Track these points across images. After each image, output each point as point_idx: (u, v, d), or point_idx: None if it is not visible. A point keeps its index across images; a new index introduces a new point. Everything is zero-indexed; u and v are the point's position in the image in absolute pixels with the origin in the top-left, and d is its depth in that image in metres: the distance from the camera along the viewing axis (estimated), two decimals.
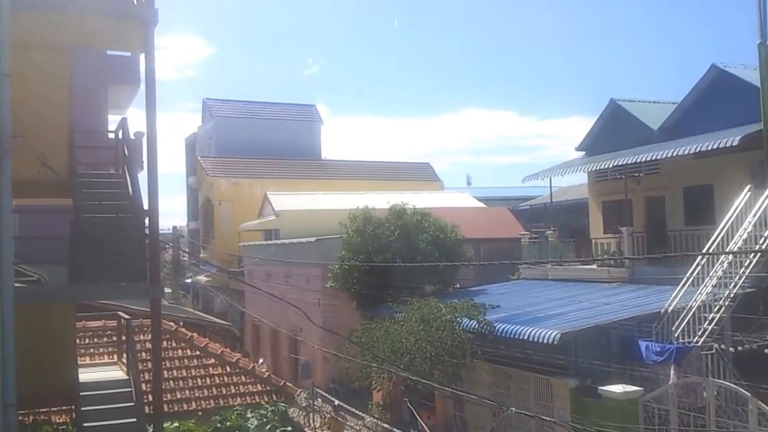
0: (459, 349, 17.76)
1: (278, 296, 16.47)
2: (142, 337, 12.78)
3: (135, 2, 8.54)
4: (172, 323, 14.49)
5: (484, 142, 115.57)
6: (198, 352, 13.72)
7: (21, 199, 9.91)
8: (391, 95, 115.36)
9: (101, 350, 12.48)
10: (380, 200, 26.65)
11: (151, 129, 8.39)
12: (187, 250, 39.75)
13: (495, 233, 28.54)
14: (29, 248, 14.94)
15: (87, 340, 12.76)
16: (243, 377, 13.50)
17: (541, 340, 15.60)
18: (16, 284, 11.55)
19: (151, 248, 8.54)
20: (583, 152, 25.63)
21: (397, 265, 22.28)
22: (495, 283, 24.70)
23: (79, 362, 10.68)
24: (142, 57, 8.83)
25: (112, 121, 15.17)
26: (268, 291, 24.42)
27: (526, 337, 16.17)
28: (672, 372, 14.21)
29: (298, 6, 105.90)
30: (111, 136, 11.17)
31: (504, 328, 17.28)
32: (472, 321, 18.23)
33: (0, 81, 6.94)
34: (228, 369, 13.60)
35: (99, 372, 10.89)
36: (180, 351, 13.61)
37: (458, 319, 18.46)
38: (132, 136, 11.07)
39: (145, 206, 8.58)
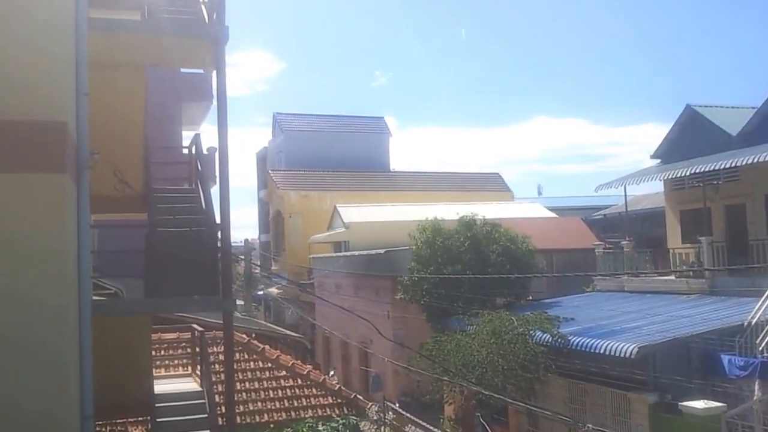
0: (532, 363, 17.39)
1: (346, 308, 16.45)
2: (215, 349, 12.98)
3: (206, 20, 8.71)
4: (244, 335, 14.66)
5: (555, 151, 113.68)
6: (270, 364, 13.83)
7: (99, 214, 10.22)
8: (460, 106, 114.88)
9: (176, 362, 12.72)
10: (449, 211, 26.43)
11: (223, 144, 8.51)
12: (258, 262, 40.38)
13: (568, 244, 27.89)
14: (107, 262, 15.47)
15: (162, 352, 13.04)
16: (314, 389, 13.53)
17: (617, 354, 15.11)
18: (95, 297, 11.94)
19: (224, 261, 8.63)
20: (659, 160, 24.78)
21: (467, 277, 22.01)
22: (569, 295, 24.09)
23: (154, 374, 10.89)
24: (214, 74, 8.98)
25: (187, 137, 15.62)
26: (338, 303, 24.54)
27: (602, 351, 15.69)
28: (756, 387, 13.54)
29: (365, 19, 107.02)
30: (185, 151, 11.44)
31: (579, 342, 16.82)
32: (545, 334, 17.82)
33: (78, 100, 7.12)
34: (299, 381, 13.65)
35: (173, 384, 11.08)
36: (252, 363, 13.75)
37: (531, 332, 18.08)
38: (205, 152, 11.30)
39: (218, 220, 8.70)
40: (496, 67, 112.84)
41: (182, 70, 15.19)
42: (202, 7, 8.91)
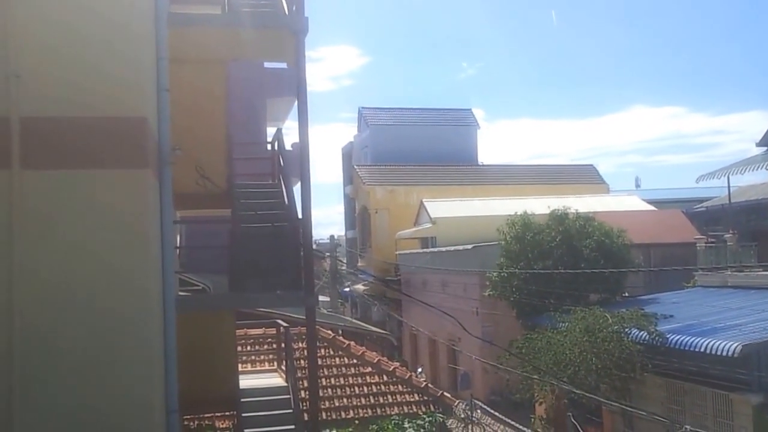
0: (628, 362, 16.64)
1: (431, 305, 16.17)
2: (300, 344, 12.97)
3: (285, 12, 8.61)
4: (329, 332, 14.63)
5: (654, 141, 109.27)
6: (355, 361, 13.72)
7: (184, 210, 10.34)
8: (552, 96, 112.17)
9: (262, 358, 12.79)
10: (540, 205, 25.67)
11: (303, 139, 8.39)
12: (344, 259, 40.63)
13: (667, 238, 26.59)
14: (195, 258, 15.80)
15: (248, 348, 13.14)
16: (400, 386, 13.33)
17: (719, 353, 14.25)
18: (182, 293, 12.14)
19: (306, 257, 8.52)
20: (765, 148, 23.19)
21: (559, 273, 21.30)
22: (667, 292, 22.93)
23: (240, 369, 10.95)
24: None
25: (273, 133, 15.70)
26: (425, 300, 24.27)
27: (702, 350, 14.86)
28: None
29: (451, 10, 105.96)
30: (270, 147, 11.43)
31: (677, 340, 15.99)
32: (641, 332, 17.00)
33: (160, 96, 7.15)
34: (385, 378, 13.48)
35: (259, 379, 11.12)
36: (337, 359, 13.68)
37: (626, 329, 17.28)
38: (289, 147, 11.27)
39: (300, 215, 8.60)
40: (589, 54, 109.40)
41: (266, 65, 15.31)
42: None
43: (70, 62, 6.09)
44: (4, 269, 5.84)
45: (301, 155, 8.40)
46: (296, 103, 9.16)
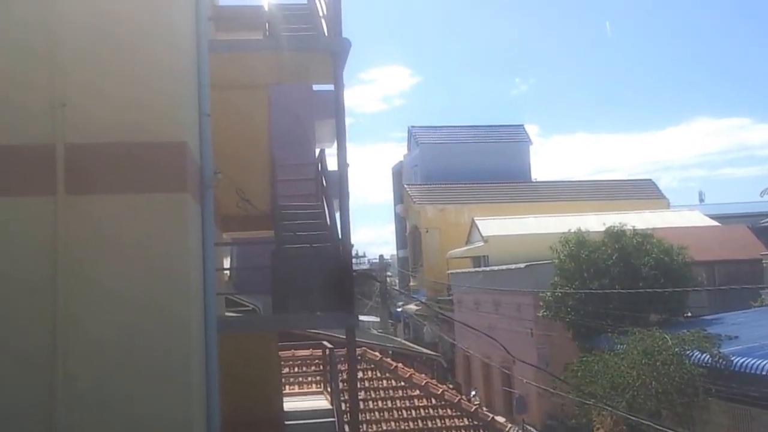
0: (689, 386, 16.00)
1: (475, 328, 15.88)
2: (346, 366, 12.88)
3: (325, 34, 8.65)
4: (378, 353, 14.52)
5: (717, 154, 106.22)
6: (403, 383, 13.57)
7: (230, 232, 10.45)
8: (608, 110, 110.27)
9: (309, 379, 12.77)
10: (596, 222, 25.13)
11: (342, 159, 8.39)
12: (396, 278, 40.49)
13: (731, 254, 25.65)
14: (248, 279, 15.96)
15: (296, 369, 13.14)
16: (449, 410, 13.11)
17: None
18: (232, 314, 12.24)
19: (346, 278, 8.48)
20: None
21: (616, 292, 20.73)
22: (732, 312, 22.04)
23: (286, 391, 10.94)
24: (348, 90, 8.90)
25: (330, 154, 15.80)
26: (478, 320, 23.94)
27: None
28: None
29: (502, 27, 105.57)
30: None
31: (743, 362, 15.34)
32: (704, 354, 16.36)
33: (201, 121, 7.24)
34: (433, 401, 13.28)
35: (305, 401, 11.07)
36: (385, 381, 13.56)
37: (688, 352, 16.66)
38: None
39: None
40: (647, 65, 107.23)
41: (315, 87, 15.47)
42: (322, 21, 8.87)
43: (113, 90, 6.21)
44: (49, 292, 5.96)
45: (339, 175, 8.40)
46: (348, 124, 9.18)
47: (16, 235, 6.00)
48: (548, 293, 23.05)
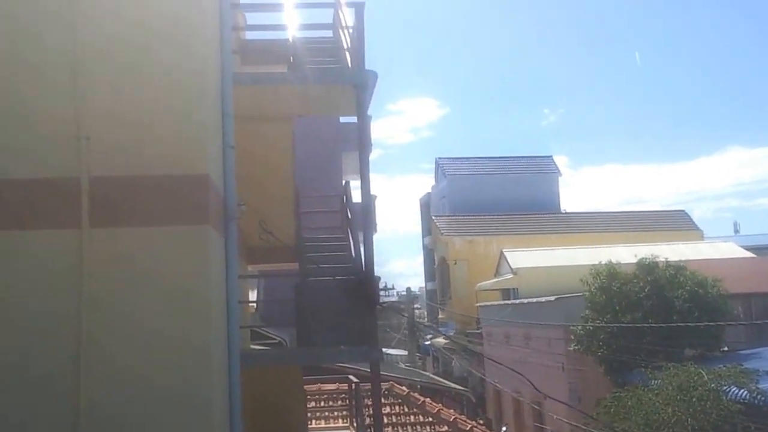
0: (726, 423, 15.49)
1: (502, 363, 15.59)
2: (372, 401, 12.69)
3: (349, 66, 8.69)
4: (405, 387, 14.30)
5: (753, 184, 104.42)
6: (430, 419, 13.32)
7: (255, 264, 10.43)
8: (638, 141, 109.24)
9: (335, 413, 12.60)
10: (628, 254, 24.69)
11: (366, 191, 8.34)
12: (424, 311, 40.16)
13: None
14: (276, 311, 15.91)
15: (322, 403, 12.98)
16: None
17: None
18: (258, 347, 12.18)
19: (370, 311, 8.38)
20: None
21: (649, 326, 20.24)
22: None
23: (312, 425, 10.78)
24: (377, 122, 8.92)
25: (355, 186, 15.80)
26: (508, 353, 23.55)
27: None
28: None
29: (531, 58, 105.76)
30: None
31: None
32: (741, 390, 15.84)
33: (225, 153, 7.27)
34: None
35: None
36: (412, 417, 13.32)
37: (724, 387, 16.14)
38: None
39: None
40: (678, 95, 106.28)
41: (341, 119, 15.53)
42: (346, 53, 8.91)
43: (137, 123, 6.25)
44: (73, 323, 5.96)
45: (364, 207, 8.35)
46: (376, 156, 9.18)
47: (41, 266, 6.04)
48: (579, 327, 22.60)
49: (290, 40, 9.26)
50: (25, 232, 6.00)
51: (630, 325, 20.56)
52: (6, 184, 5.99)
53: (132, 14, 6.19)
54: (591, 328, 22.04)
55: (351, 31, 8.92)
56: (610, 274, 22.53)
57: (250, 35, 10.85)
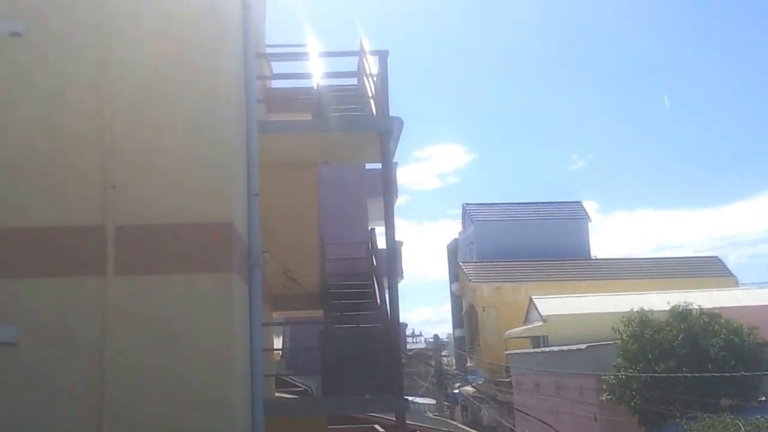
0: None
1: (533, 411, 15.21)
2: None
3: (374, 114, 8.74)
4: None
5: None
6: None
7: (280, 311, 10.38)
8: (670, 186, 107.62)
9: None
10: (660, 301, 24.30)
11: (390, 238, 8.29)
12: (448, 358, 39.51)
13: None
14: (301, 359, 15.78)
15: None
16: None
17: None
18: (284, 395, 12.03)
19: (395, 360, 8.25)
20: None
21: (683, 375, 19.74)
22: None
23: None
24: (404, 168, 8.93)
25: (381, 233, 15.77)
26: (538, 403, 23.05)
27: None
28: None
29: (558, 103, 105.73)
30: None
31: None
32: None
33: (250, 200, 7.30)
34: None
35: None
36: None
37: None
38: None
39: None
40: (710, 138, 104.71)
41: (367, 165, 15.60)
42: (371, 101, 8.98)
43: (162, 172, 6.30)
44: (96, 371, 5.94)
45: (388, 254, 8.28)
46: (402, 202, 9.17)
47: (66, 314, 6.05)
48: (611, 376, 22.17)
49: (315, 87, 9.38)
50: (50, 279, 6.04)
51: (664, 374, 20.15)
52: (33, 232, 6.07)
53: (158, 65, 6.31)
54: (623, 377, 21.64)
55: (375, 78, 9.01)
56: (642, 321, 22.21)
57: (275, 83, 11.02)
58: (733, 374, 19.18)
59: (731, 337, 20.87)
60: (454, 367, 39.56)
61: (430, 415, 25.33)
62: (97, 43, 6.24)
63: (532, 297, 35.37)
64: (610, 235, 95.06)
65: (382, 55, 8.79)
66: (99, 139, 6.17)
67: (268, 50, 10.53)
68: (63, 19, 6.37)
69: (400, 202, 18.33)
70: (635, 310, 23.00)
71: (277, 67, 10.67)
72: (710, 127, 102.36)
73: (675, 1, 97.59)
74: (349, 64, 10.13)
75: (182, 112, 6.38)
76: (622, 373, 21.71)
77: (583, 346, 25.75)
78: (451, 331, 49.42)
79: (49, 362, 5.93)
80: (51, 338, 5.98)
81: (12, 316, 5.96)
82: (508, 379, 34.54)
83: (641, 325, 22.12)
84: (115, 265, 6.11)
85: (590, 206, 66.74)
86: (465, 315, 44.13)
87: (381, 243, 10.36)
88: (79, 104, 6.23)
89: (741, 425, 16.22)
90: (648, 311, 22.72)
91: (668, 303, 22.87)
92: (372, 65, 9.06)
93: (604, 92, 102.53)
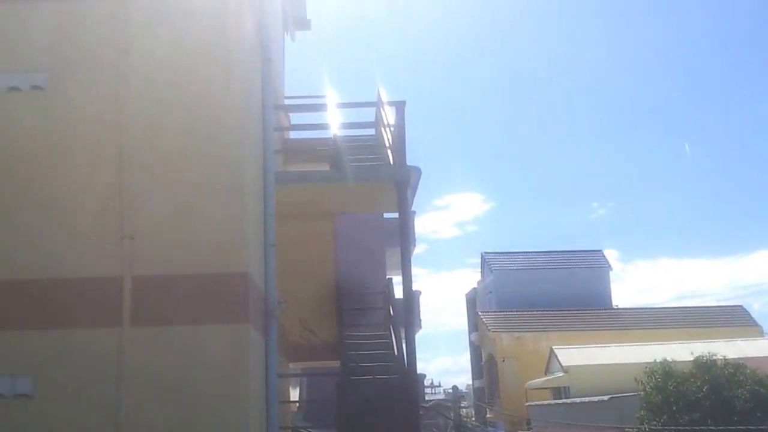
0: None
1: None
2: None
3: (391, 164, 8.78)
4: None
5: None
6: None
7: (296, 362, 10.28)
8: (692, 234, 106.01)
9: None
10: (684, 351, 23.86)
11: (407, 287, 8.24)
12: (467, 409, 38.79)
13: None
14: (318, 410, 15.56)
15: None
16: None
17: None
18: None
19: (412, 411, 8.11)
20: None
21: (708, 428, 19.25)
22: None
23: None
24: (422, 216, 8.94)
25: (398, 282, 15.65)
26: None
27: None
28: None
29: (577, 152, 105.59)
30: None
31: None
32: None
33: (266, 251, 7.30)
34: None
35: None
36: None
37: None
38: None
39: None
40: (734, 185, 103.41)
41: (385, 215, 15.61)
42: (388, 151, 9.03)
43: (180, 223, 6.33)
44: (113, 424, 5.89)
45: (405, 305, 8.22)
46: (420, 251, 9.13)
47: (81, 366, 6.02)
48: (635, 428, 21.67)
49: (333, 138, 9.47)
50: (66, 330, 6.03)
51: (688, 427, 19.73)
52: (49, 283, 6.08)
53: (176, 117, 6.40)
54: (647, 429, 21.12)
55: (393, 129, 9.08)
56: (665, 372, 21.81)
57: (293, 134, 11.15)
58: (759, 427, 18.71)
59: (757, 388, 20.41)
60: (474, 419, 38.80)
61: None
62: (117, 98, 6.35)
63: (553, 347, 34.85)
64: (632, 284, 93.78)
65: (400, 106, 8.88)
66: (118, 190, 6.22)
67: (287, 101, 10.68)
68: (84, 74, 6.49)
69: (418, 251, 18.30)
70: (658, 360, 22.60)
71: (295, 117, 10.81)
72: (731, 175, 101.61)
73: (697, 48, 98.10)
74: (367, 114, 10.25)
75: (200, 164, 6.43)
76: (646, 425, 21.26)
77: (606, 398, 25.25)
78: (471, 382, 48.64)
79: (64, 414, 5.90)
80: (66, 390, 5.95)
81: (28, 368, 5.95)
82: (529, 431, 33.83)
83: (665, 376, 21.73)
84: (131, 316, 6.10)
85: (611, 255, 66.13)
86: (484, 365, 43.47)
87: (399, 292, 10.34)
88: (99, 156, 6.31)
89: None
90: (671, 362, 22.32)
91: (692, 353, 22.46)
92: (389, 115, 9.15)
93: (624, 140, 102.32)
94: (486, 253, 49.59)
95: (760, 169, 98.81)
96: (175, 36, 6.48)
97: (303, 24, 12.82)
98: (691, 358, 22.14)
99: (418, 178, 8.89)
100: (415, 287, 10.79)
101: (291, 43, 13.09)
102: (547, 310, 41.70)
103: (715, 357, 21.86)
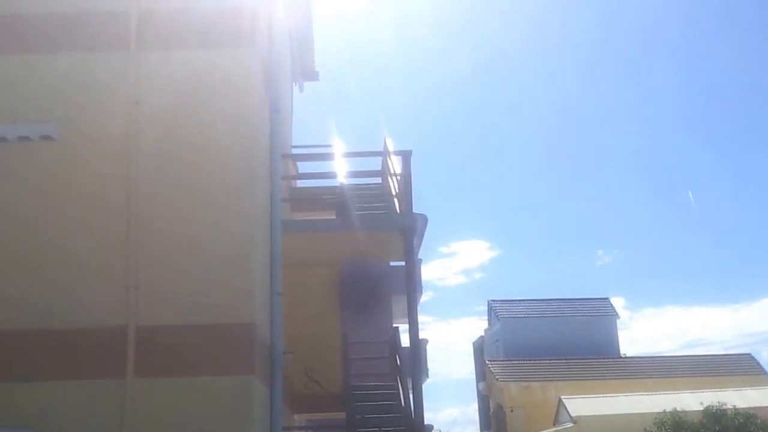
0: None
1: None
2: None
3: (397, 212, 8.77)
4: None
5: None
6: None
7: (301, 414, 10.09)
8: (699, 282, 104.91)
9: None
10: (693, 400, 23.41)
11: (414, 336, 8.14)
12: None
13: None
14: None
15: None
16: None
17: None
18: None
19: None
20: None
21: None
22: None
23: None
24: (428, 264, 8.91)
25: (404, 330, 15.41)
26: None
27: None
28: None
29: (582, 199, 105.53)
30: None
31: None
32: None
33: (272, 300, 7.23)
34: None
35: None
36: None
37: None
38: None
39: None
40: (740, 232, 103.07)
41: (391, 263, 15.53)
42: (395, 199, 9.03)
43: (186, 273, 6.28)
44: None
45: (412, 354, 8.11)
46: (427, 299, 9.06)
47: (84, 419, 5.93)
48: None
49: (339, 186, 9.48)
50: (68, 382, 5.94)
51: None
52: (52, 334, 6.02)
53: (185, 168, 6.42)
54: None
55: (399, 177, 9.09)
56: (675, 423, 21.46)
57: (300, 182, 11.18)
58: None
59: None
60: None
61: None
62: (127, 149, 6.37)
63: (562, 397, 34.24)
64: (639, 332, 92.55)
65: (406, 155, 8.91)
66: (124, 241, 6.19)
67: (294, 151, 10.74)
68: (94, 125, 6.52)
69: (424, 298, 18.12)
70: (667, 410, 22.19)
71: (302, 166, 10.85)
72: (737, 222, 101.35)
73: (701, 95, 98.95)
74: (374, 163, 10.27)
75: (206, 214, 6.42)
76: None
77: None
78: None
79: None
80: None
81: (29, 421, 5.85)
82: None
83: (674, 426, 21.39)
84: (134, 367, 6.02)
85: (618, 302, 65.30)
86: (492, 415, 42.63)
87: (405, 341, 10.18)
88: (107, 205, 6.31)
89: None
90: (681, 411, 21.91)
91: (701, 403, 22.10)
92: (396, 165, 9.17)
93: (629, 187, 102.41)
94: (493, 300, 49.10)
95: (764, 217, 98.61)
96: (184, 88, 6.54)
97: (311, 75, 12.98)
98: (701, 408, 21.78)
99: (425, 226, 8.87)
100: (421, 335, 10.66)
101: (299, 93, 13.25)
102: (555, 359, 41.10)
103: (724, 407, 21.49)
